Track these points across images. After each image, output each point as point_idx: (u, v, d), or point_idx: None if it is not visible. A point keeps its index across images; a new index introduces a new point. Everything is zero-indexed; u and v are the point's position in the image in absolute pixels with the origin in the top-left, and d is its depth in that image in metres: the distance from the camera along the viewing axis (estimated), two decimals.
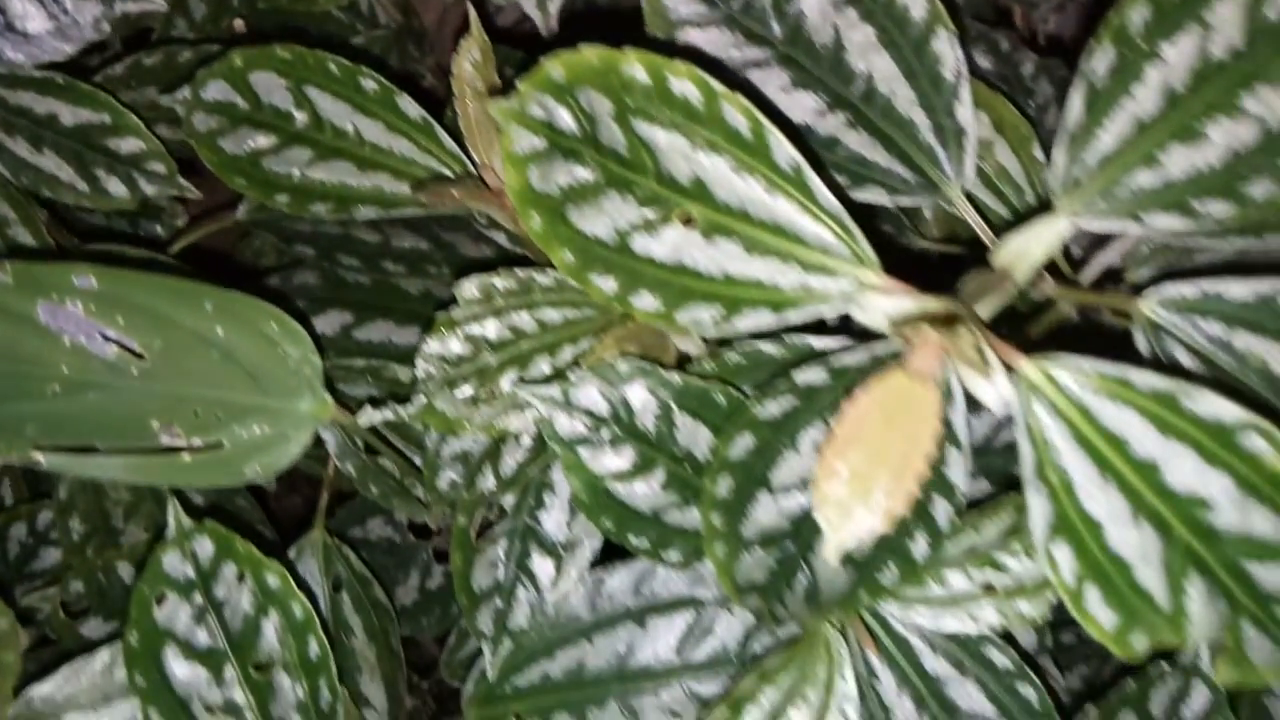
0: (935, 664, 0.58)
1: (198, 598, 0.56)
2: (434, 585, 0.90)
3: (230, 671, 0.55)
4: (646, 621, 0.65)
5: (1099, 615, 0.42)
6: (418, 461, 0.76)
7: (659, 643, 0.64)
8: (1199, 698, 0.59)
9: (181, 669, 0.56)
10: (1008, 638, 0.59)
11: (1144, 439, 0.40)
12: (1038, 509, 0.41)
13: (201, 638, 0.56)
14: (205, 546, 0.56)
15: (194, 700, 0.55)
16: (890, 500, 0.37)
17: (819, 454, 0.38)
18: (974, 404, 0.43)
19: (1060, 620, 0.67)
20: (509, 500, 0.67)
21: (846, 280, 0.42)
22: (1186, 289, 0.48)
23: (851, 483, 0.37)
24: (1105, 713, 0.59)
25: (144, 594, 0.55)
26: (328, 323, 0.81)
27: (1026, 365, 0.40)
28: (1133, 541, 0.41)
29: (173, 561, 0.56)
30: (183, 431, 0.55)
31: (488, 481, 0.66)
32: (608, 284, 0.46)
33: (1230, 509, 0.40)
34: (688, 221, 0.45)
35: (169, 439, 0.55)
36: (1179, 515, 0.40)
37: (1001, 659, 0.57)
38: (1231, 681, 0.43)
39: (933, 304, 0.40)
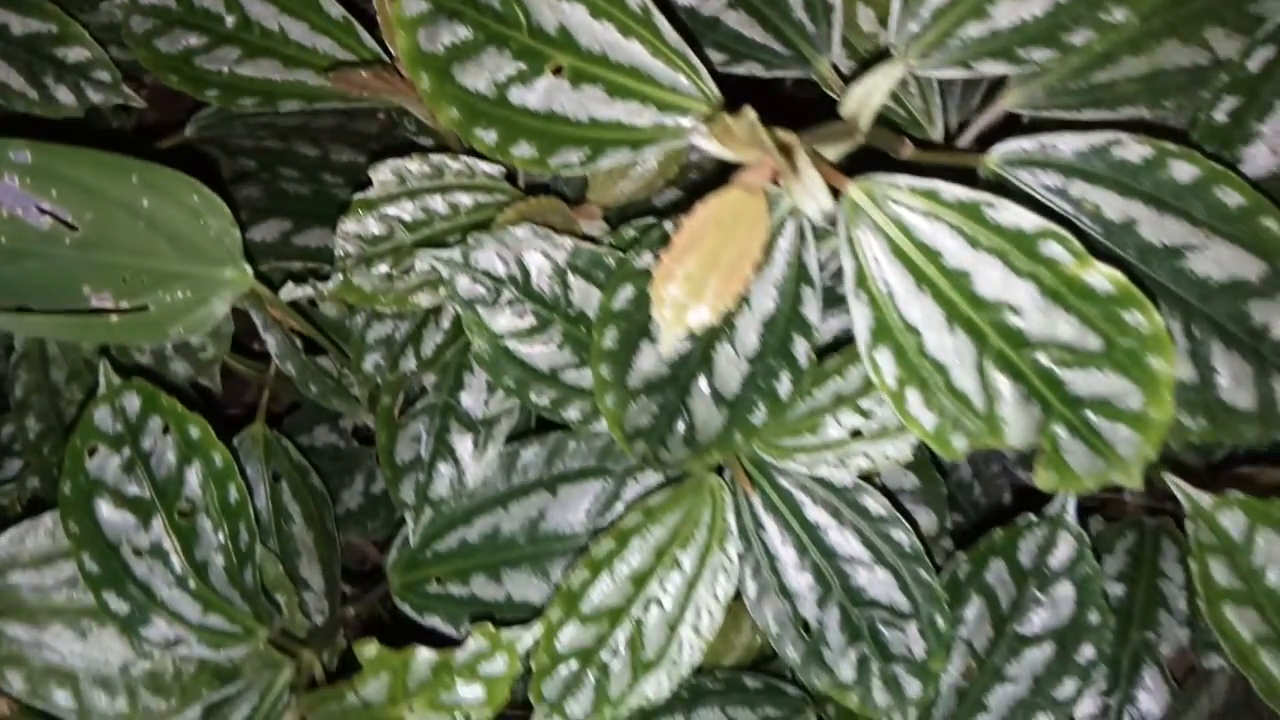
0: (815, 514, 0.62)
1: (126, 450, 0.60)
2: (378, 490, 0.94)
3: (157, 517, 0.60)
4: (558, 490, 0.69)
5: (921, 417, 0.46)
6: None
7: (569, 509, 0.68)
8: (1065, 548, 0.63)
9: (112, 515, 0.60)
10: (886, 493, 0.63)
11: (955, 250, 0.44)
12: (860, 317, 0.45)
13: (130, 487, 0.60)
14: (133, 402, 0.60)
15: (123, 544, 0.60)
16: (719, 298, 0.42)
17: (658, 260, 0.42)
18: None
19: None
20: (430, 380, 0.71)
21: (694, 116, 0.47)
22: (1026, 144, 0.52)
23: (685, 284, 0.42)
24: (975, 560, 0.63)
25: (77, 447, 0.59)
26: (268, 230, 0.85)
27: (849, 186, 0.45)
28: (949, 347, 0.45)
29: (103, 416, 0.60)
30: (111, 296, 0.60)
31: (409, 363, 0.71)
32: (489, 136, 0.50)
33: (1036, 315, 0.44)
34: (557, 71, 0.49)
35: (98, 303, 0.59)
36: (990, 321, 0.45)
37: (875, 506, 0.61)
38: (1052, 486, 0.47)
39: (769, 134, 0.45)
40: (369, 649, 0.55)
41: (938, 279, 0.44)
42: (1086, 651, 0.63)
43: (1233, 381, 0.52)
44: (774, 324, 0.53)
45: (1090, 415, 0.46)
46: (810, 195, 0.43)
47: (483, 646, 0.55)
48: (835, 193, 0.45)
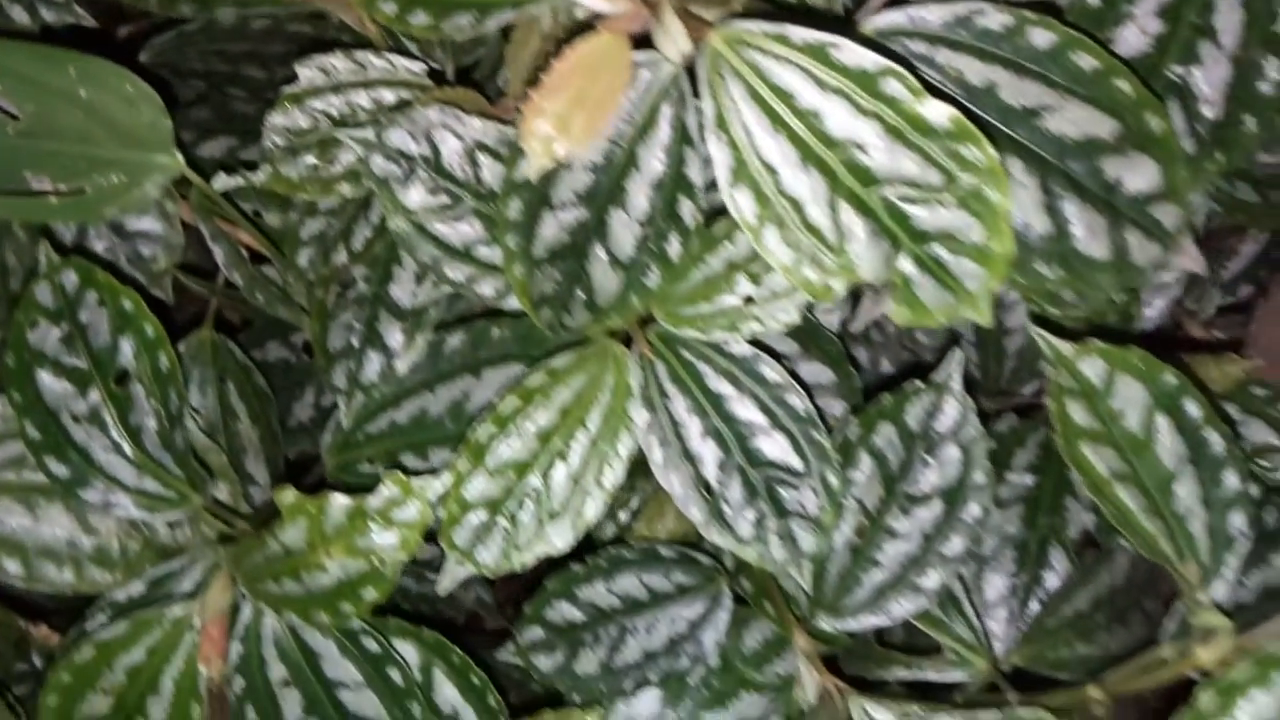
0: (717, 383, 0.66)
1: (65, 323, 0.64)
2: (328, 403, 0.98)
3: (94, 386, 0.63)
4: (482, 373, 0.73)
5: (778, 253, 0.50)
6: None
7: (491, 390, 0.72)
8: (950, 413, 0.67)
9: (52, 384, 0.64)
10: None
11: (805, 91, 0.48)
12: (719, 157, 0.49)
13: (69, 358, 0.64)
14: (71, 278, 0.64)
15: (63, 411, 0.63)
16: (584, 134, 0.45)
17: (528, 99, 0.46)
18: None
19: None
20: (360, 272, 0.75)
21: None
22: (896, 15, 0.56)
23: (553, 120, 0.45)
24: (865, 423, 0.67)
25: (19, 321, 0.63)
26: (217, 146, 0.89)
27: (710, 33, 0.48)
28: (803, 185, 0.49)
29: (43, 292, 0.64)
30: (50, 179, 0.63)
31: (341, 257, 0.74)
32: (389, 7, 0.54)
33: (882, 152, 0.48)
34: None
35: (38, 186, 0.63)
36: (840, 159, 0.48)
37: (772, 374, 0.65)
38: (905, 321, 0.51)
39: None
40: (286, 495, 0.59)
41: (791, 120, 0.48)
42: (973, 510, 0.67)
43: (1087, 233, 0.56)
44: (661, 186, 0.57)
45: (936, 249, 0.49)
46: (671, 40, 0.47)
47: (395, 494, 0.59)
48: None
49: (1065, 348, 0.57)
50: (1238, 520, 0.57)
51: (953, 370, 0.67)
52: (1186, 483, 0.57)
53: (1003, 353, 0.85)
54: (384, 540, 0.59)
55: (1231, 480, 0.57)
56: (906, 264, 0.50)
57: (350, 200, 0.74)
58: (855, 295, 0.76)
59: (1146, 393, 0.57)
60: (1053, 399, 0.57)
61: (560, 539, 0.62)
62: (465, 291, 0.65)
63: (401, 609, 0.83)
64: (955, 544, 0.67)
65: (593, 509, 0.62)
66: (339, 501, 0.58)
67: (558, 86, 0.46)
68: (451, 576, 0.62)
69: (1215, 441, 0.57)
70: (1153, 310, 0.80)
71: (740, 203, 0.49)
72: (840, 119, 0.48)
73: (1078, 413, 0.57)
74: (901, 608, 0.68)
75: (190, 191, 0.85)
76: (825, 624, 0.69)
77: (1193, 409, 0.57)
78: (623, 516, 0.84)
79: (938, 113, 0.47)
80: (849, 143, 0.48)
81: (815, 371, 0.76)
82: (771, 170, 0.49)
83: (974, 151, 0.48)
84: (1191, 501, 0.57)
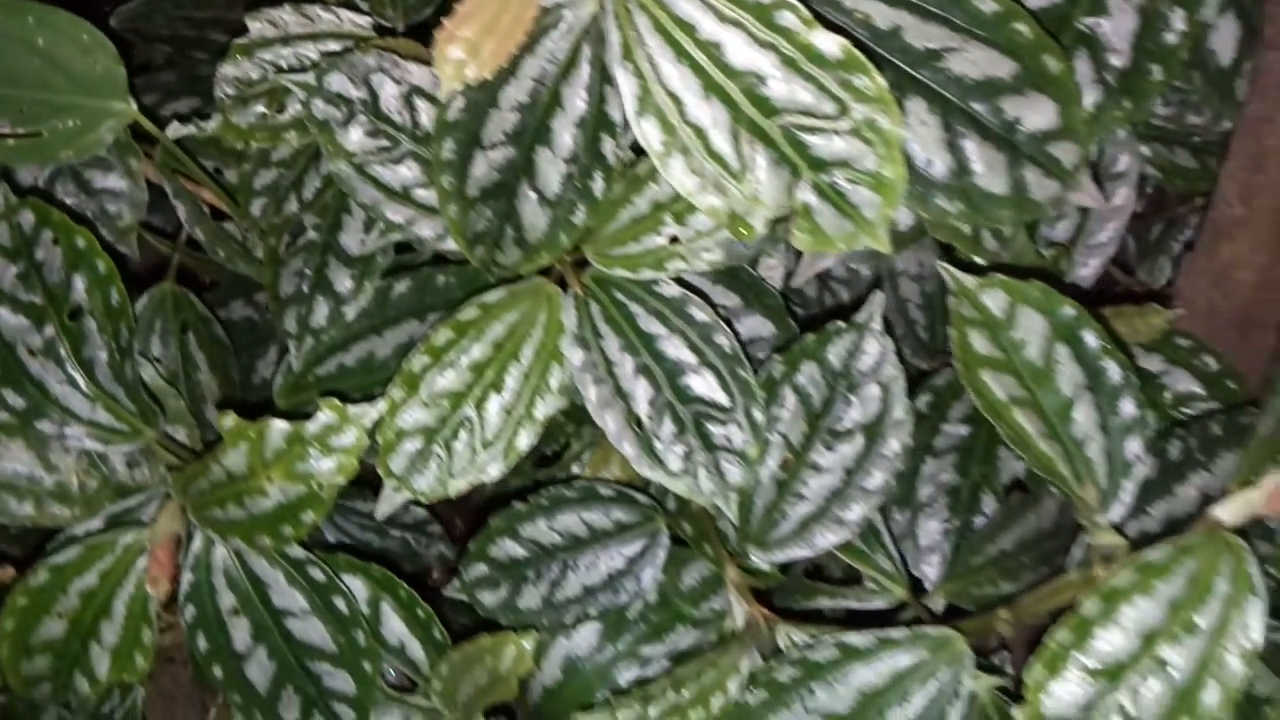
0: (648, 323, 0.68)
1: (22, 261, 0.67)
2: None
3: (49, 322, 0.66)
4: (427, 318, 0.76)
5: (684, 181, 0.53)
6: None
7: None
8: (871, 352, 0.70)
9: (9, 319, 0.66)
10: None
11: (706, 23, 0.51)
12: (627, 88, 0.52)
13: (25, 294, 0.67)
14: (28, 218, 0.67)
15: (19, 345, 0.66)
16: (494, 59, 0.48)
17: (441, 26, 0.49)
18: None
19: None
20: (311, 221, 0.77)
21: None
22: None
23: (465, 46, 0.48)
24: (788, 361, 0.70)
25: None
26: (180, 107, 0.91)
27: None
28: (706, 114, 0.52)
29: (1, 231, 0.67)
30: (9, 123, 0.66)
31: (292, 206, 0.77)
32: None
33: (779, 82, 0.51)
34: None
35: None
36: (740, 89, 0.51)
37: (700, 314, 0.68)
38: (808, 248, 0.54)
39: None
40: (227, 420, 0.61)
41: (693, 50, 0.51)
42: (892, 445, 0.69)
43: (987, 169, 0.59)
44: (584, 125, 0.60)
45: (834, 177, 0.52)
46: None
47: (332, 419, 0.61)
48: None
49: (969, 280, 0.60)
50: (1134, 446, 0.60)
51: (874, 311, 0.69)
52: (1084, 409, 0.60)
53: (948, 315, 0.88)
54: (322, 466, 0.62)
55: (1128, 407, 0.60)
56: (807, 193, 0.53)
57: (301, 152, 0.77)
58: (799, 251, 0.79)
59: (1046, 323, 0.60)
60: (955, 328, 0.60)
61: (494, 467, 0.65)
62: (405, 233, 0.68)
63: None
64: (876, 478, 0.70)
65: (525, 439, 0.65)
66: (278, 426, 0.61)
67: (470, 14, 0.49)
68: (389, 502, 0.65)
69: (1112, 370, 0.60)
70: (1088, 270, 0.83)
71: (647, 131, 0.52)
72: (739, 50, 0.51)
73: (979, 342, 0.59)
74: (825, 539, 0.70)
75: (154, 150, 0.89)
76: (754, 555, 0.71)
77: (1091, 339, 0.60)
78: (575, 469, 0.87)
79: (829, 43, 0.50)
80: (748, 73, 0.51)
81: (756, 325, 0.78)
82: (676, 100, 0.51)
83: (865, 81, 0.50)
84: (1089, 427, 0.60)
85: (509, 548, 0.76)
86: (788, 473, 0.70)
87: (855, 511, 0.70)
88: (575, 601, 0.76)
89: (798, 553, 0.71)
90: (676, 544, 0.78)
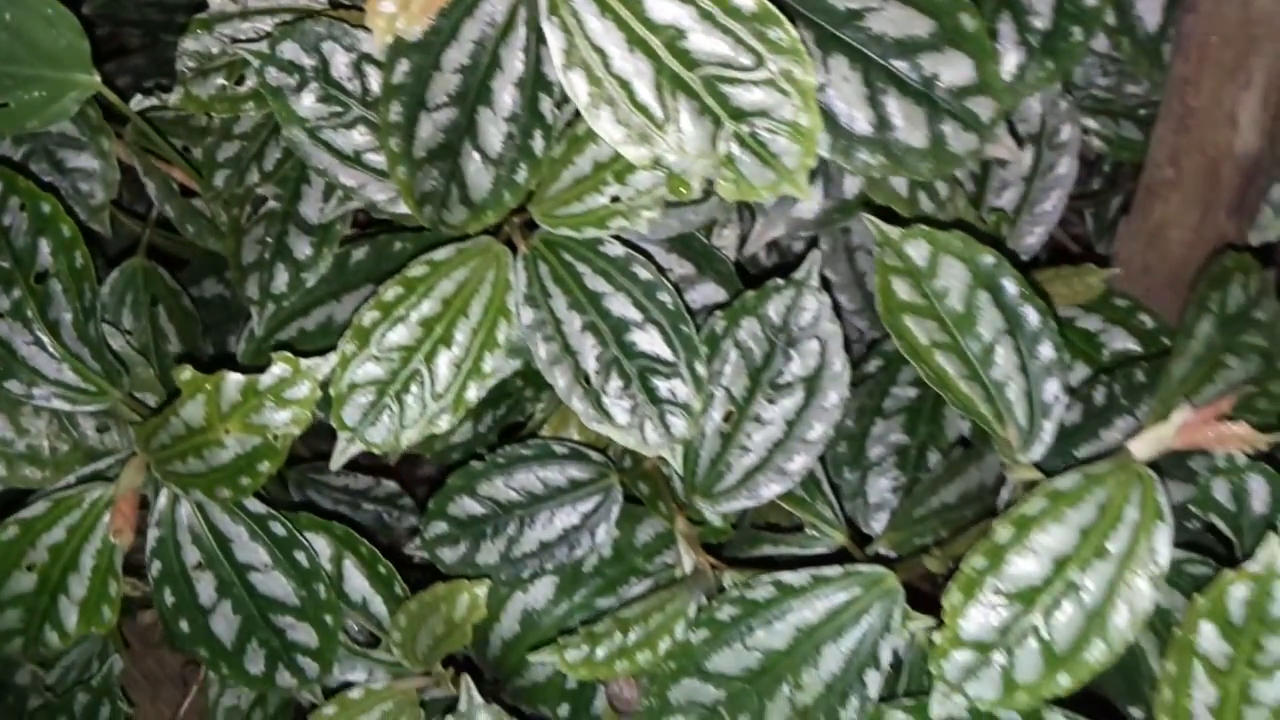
0: (594, 282, 0.71)
1: None
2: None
3: (16, 284, 0.69)
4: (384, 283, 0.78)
5: (611, 132, 0.55)
6: None
7: None
8: (809, 309, 0.72)
9: None
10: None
11: None
12: (554, 42, 0.54)
13: None
14: None
15: None
16: (422, 12, 0.51)
17: None
18: None
19: None
20: (272, 191, 0.80)
21: None
22: None
23: (395, 1, 0.51)
24: (729, 317, 0.72)
25: None
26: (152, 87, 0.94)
27: None
28: (630, 66, 0.54)
29: None
30: None
31: (253, 177, 0.80)
32: None
33: (699, 35, 0.54)
34: None
35: None
36: (662, 41, 0.54)
37: (644, 272, 0.70)
38: (733, 196, 0.57)
39: None
40: (185, 372, 0.64)
41: (616, 5, 0.54)
42: (831, 397, 0.72)
43: (907, 123, 0.62)
44: (523, 85, 0.62)
45: (754, 127, 0.55)
46: None
47: (286, 372, 0.64)
48: None
49: (893, 231, 0.62)
50: (1053, 387, 0.62)
51: (811, 269, 0.72)
52: (1004, 352, 0.62)
53: None
54: (278, 417, 0.64)
55: (1047, 350, 0.62)
56: (730, 143, 0.55)
57: (262, 125, 0.80)
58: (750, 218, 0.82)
59: (967, 271, 0.62)
60: (878, 275, 0.62)
61: (444, 419, 0.67)
62: (360, 198, 0.71)
63: None
64: (816, 429, 0.72)
65: (474, 392, 0.68)
66: (233, 379, 0.64)
67: None
68: (342, 453, 0.67)
69: (1031, 315, 0.62)
70: (1033, 239, 0.86)
71: (575, 84, 0.54)
72: (660, 3, 0.53)
73: (901, 289, 0.62)
74: (769, 489, 0.73)
75: (126, 130, 0.91)
76: (701, 506, 0.74)
77: (1010, 286, 0.62)
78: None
79: None
80: (669, 26, 0.54)
81: (710, 292, 0.81)
82: (601, 53, 0.54)
83: (779, 33, 0.53)
84: (1009, 369, 0.62)
85: (467, 505, 0.78)
86: (731, 425, 0.73)
87: (797, 462, 0.73)
88: (532, 556, 0.78)
89: (743, 503, 0.73)
90: (632, 502, 0.81)
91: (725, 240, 0.85)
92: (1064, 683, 0.55)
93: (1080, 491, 0.56)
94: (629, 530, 0.81)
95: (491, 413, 0.91)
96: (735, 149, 0.55)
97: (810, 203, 0.78)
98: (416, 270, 0.67)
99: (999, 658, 0.56)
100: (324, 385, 0.65)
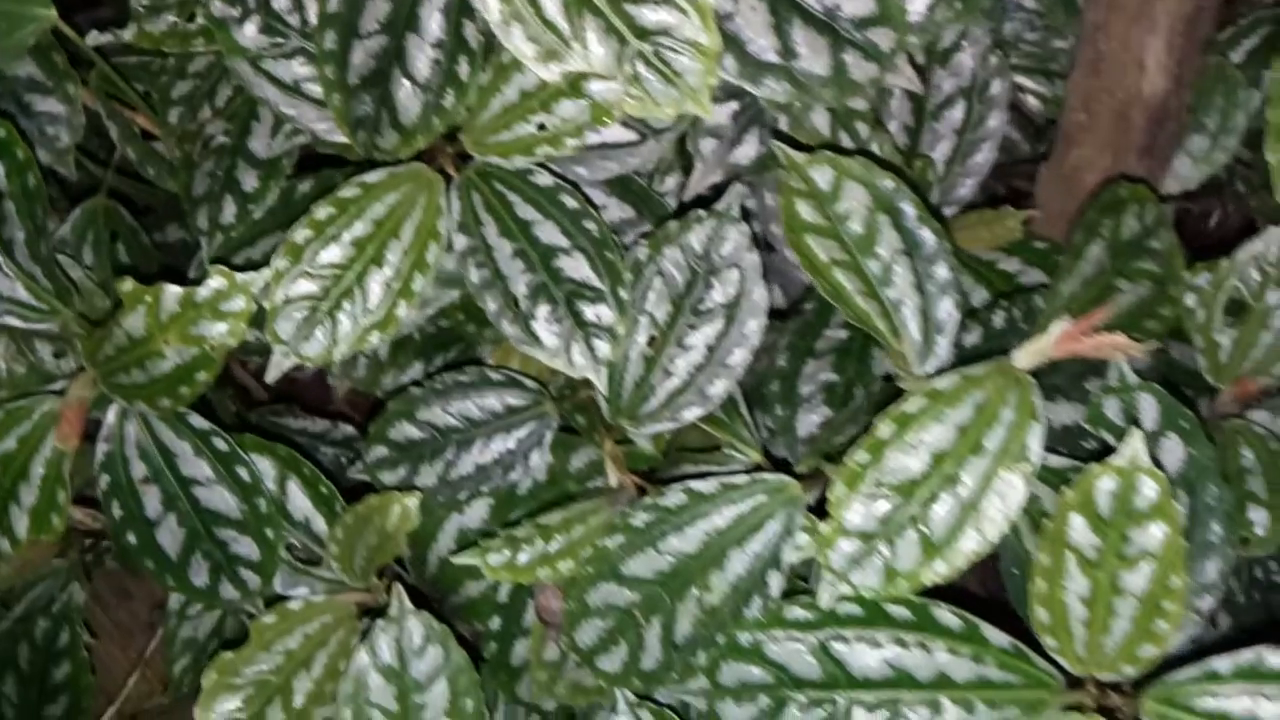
0: (524, 210, 0.74)
1: None
2: None
3: None
4: None
5: (522, 49, 0.58)
6: None
7: None
8: (732, 240, 0.75)
9: None
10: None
11: None
12: None
13: None
14: None
15: None
16: None
17: None
18: None
19: None
20: (222, 127, 0.84)
21: None
22: None
23: None
24: (653, 246, 0.75)
25: None
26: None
27: None
28: None
29: None
30: None
31: (205, 113, 0.83)
32: None
33: None
34: None
35: None
36: None
37: (571, 201, 0.74)
38: (639, 113, 0.60)
39: None
40: (126, 284, 0.67)
41: None
42: (751, 325, 0.75)
43: (810, 52, 0.65)
44: (448, 11, 0.66)
45: (657, 45, 0.58)
46: None
47: (222, 285, 0.67)
48: None
49: (798, 156, 0.66)
50: (947, 305, 0.66)
51: (732, 202, 0.75)
52: (901, 272, 0.66)
53: None
54: (214, 329, 0.68)
55: (942, 271, 0.66)
56: (636, 61, 0.59)
57: (215, 64, 0.83)
58: (687, 167, 0.85)
59: (868, 195, 0.66)
60: (783, 197, 0.65)
61: (375, 336, 0.71)
62: (299, 126, 0.74)
63: None
64: (736, 355, 0.76)
65: (404, 310, 0.71)
66: (171, 290, 0.67)
67: None
68: (277, 367, 0.70)
69: (928, 237, 0.66)
70: (965, 190, 0.89)
71: (487, 1, 0.58)
72: None
73: (805, 210, 0.65)
74: (691, 412, 0.76)
75: (90, 76, 0.95)
76: (627, 427, 0.77)
77: (909, 209, 0.66)
78: None
79: None
80: None
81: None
82: None
83: None
84: (905, 288, 0.66)
85: (406, 430, 0.82)
86: (655, 350, 0.76)
87: (718, 386, 0.76)
88: (469, 479, 0.82)
89: (666, 425, 0.77)
90: (568, 432, 0.85)
91: (668, 188, 0.88)
92: (941, 570, 0.58)
93: (959, 392, 0.59)
94: (563, 456, 0.84)
95: (443, 355, 0.95)
96: (641, 67, 0.59)
97: (748, 148, 0.82)
98: (348, 191, 0.70)
99: (881, 547, 0.59)
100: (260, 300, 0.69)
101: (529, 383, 0.82)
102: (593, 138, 0.77)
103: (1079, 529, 0.57)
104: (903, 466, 0.59)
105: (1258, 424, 0.81)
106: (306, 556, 0.82)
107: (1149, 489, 0.56)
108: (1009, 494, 0.58)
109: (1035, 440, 0.58)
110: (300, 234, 0.69)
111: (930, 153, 0.88)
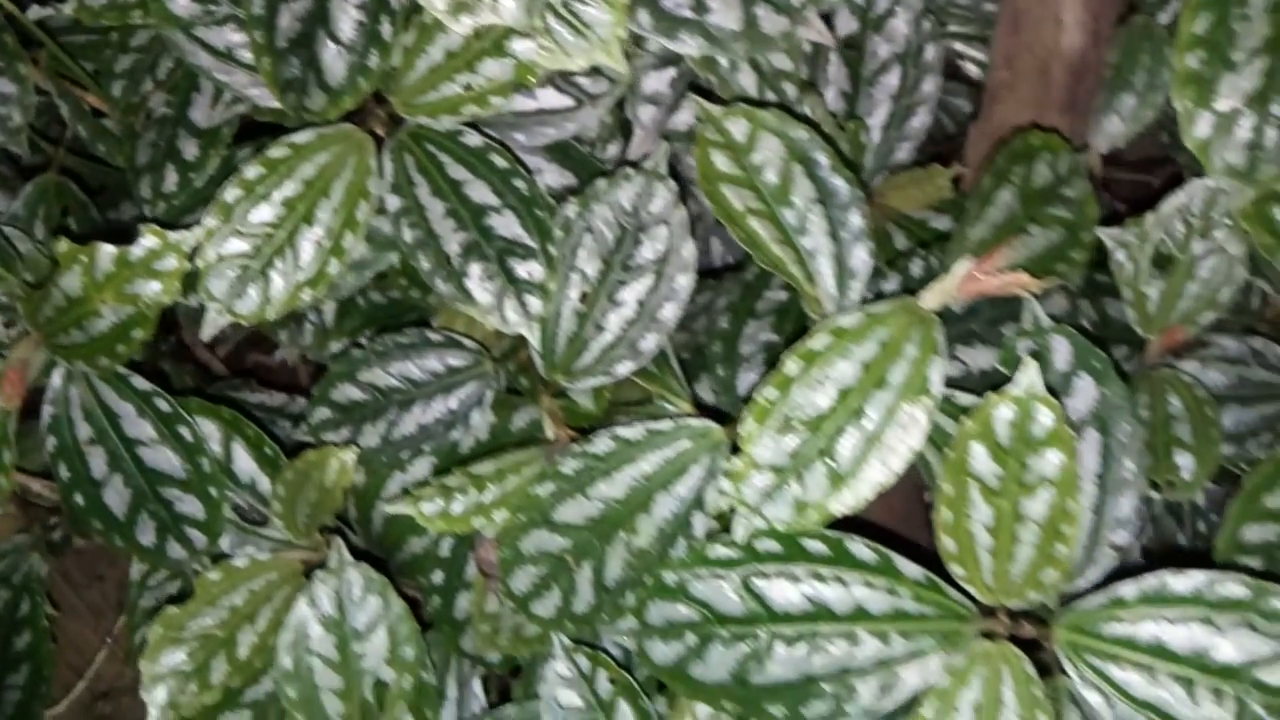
0: (456, 170, 0.76)
1: None
2: None
3: None
4: None
5: (434, 2, 0.60)
6: None
7: None
8: (660, 197, 0.77)
9: None
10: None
11: None
12: None
13: None
14: None
15: None
16: None
17: None
18: None
19: None
20: (164, 99, 0.85)
21: None
22: None
23: None
24: (582, 204, 0.77)
25: None
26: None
27: None
28: None
29: None
30: None
31: (148, 85, 0.85)
32: None
33: None
34: None
35: None
36: None
37: (502, 161, 0.76)
38: (551, 65, 0.62)
39: None
40: (61, 244, 0.69)
41: None
42: (681, 281, 0.77)
43: (722, 6, 0.67)
44: None
45: None
46: None
47: (155, 244, 0.69)
48: None
49: (714, 109, 0.68)
50: (861, 253, 0.68)
51: (660, 160, 0.77)
52: (815, 220, 0.67)
53: None
54: (148, 288, 0.70)
55: (855, 219, 0.68)
56: (546, 14, 0.60)
57: (156, 38, 0.85)
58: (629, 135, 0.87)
59: (783, 146, 0.68)
60: (699, 148, 0.67)
61: (306, 293, 0.73)
62: (232, 91, 0.76)
63: None
64: (667, 310, 0.77)
65: (335, 268, 0.73)
66: (105, 250, 0.69)
67: None
68: (212, 325, 0.72)
69: (842, 186, 0.68)
70: (902, 154, 0.91)
71: None
72: None
73: (720, 161, 0.67)
74: (624, 367, 0.78)
75: (40, 55, 0.97)
76: (562, 382, 0.79)
77: (822, 159, 0.68)
78: None
79: None
80: None
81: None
82: None
83: None
84: (820, 237, 0.67)
85: (349, 391, 0.84)
86: (587, 306, 0.77)
87: (650, 341, 0.78)
88: (411, 439, 0.84)
89: (600, 379, 0.78)
90: (512, 393, 0.86)
91: (610, 156, 0.90)
92: (848, 501, 0.60)
93: (863, 329, 0.61)
94: (505, 416, 0.86)
95: (391, 321, 0.97)
96: (551, 20, 0.61)
97: (686, 115, 0.84)
98: (277, 151, 0.72)
99: (791, 481, 0.61)
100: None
101: (469, 343, 0.84)
102: (529, 104, 0.79)
103: (980, 458, 0.59)
104: (810, 401, 0.61)
105: (1187, 373, 0.83)
106: (254, 517, 0.84)
107: (1045, 417, 0.58)
108: (912, 426, 0.60)
109: (937, 374, 0.60)
110: (230, 193, 0.71)
111: (868, 118, 0.90)
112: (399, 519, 0.84)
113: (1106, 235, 0.77)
